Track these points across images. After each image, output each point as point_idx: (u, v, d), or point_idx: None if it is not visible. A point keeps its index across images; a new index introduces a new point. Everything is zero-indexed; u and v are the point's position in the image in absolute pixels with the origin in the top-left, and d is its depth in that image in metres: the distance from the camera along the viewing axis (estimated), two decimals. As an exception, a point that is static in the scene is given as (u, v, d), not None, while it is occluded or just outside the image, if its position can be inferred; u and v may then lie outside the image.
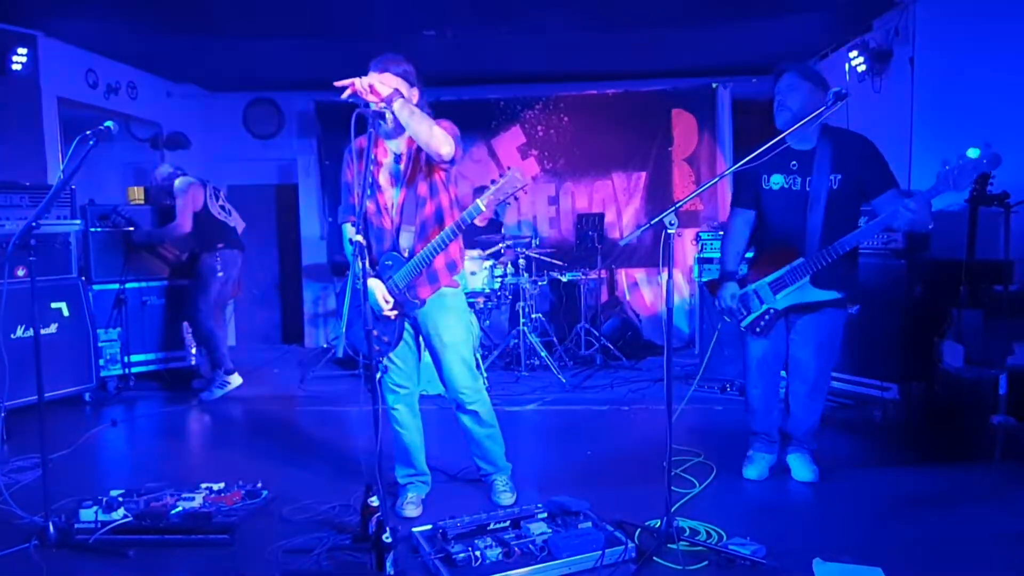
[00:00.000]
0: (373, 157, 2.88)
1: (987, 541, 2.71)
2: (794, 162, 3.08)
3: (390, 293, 2.92)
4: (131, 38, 5.57)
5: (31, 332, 4.39)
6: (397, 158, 2.94)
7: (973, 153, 2.65)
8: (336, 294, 3.22)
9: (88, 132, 2.75)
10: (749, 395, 3.40)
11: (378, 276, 2.94)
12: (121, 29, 5.34)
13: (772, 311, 3.18)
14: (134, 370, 5.38)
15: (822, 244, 3.01)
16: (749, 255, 3.40)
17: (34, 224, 2.69)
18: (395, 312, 2.95)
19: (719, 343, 4.98)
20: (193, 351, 5.65)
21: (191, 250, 5.38)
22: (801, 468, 3.31)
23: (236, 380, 5.27)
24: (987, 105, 4.49)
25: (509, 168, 2.83)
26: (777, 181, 3.13)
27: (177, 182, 5.13)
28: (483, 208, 2.78)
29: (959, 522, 2.87)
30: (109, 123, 2.79)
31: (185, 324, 5.51)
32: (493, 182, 2.83)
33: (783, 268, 3.10)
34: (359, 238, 2.52)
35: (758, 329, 3.22)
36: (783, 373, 3.36)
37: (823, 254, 3.00)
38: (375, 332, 2.70)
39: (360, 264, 2.50)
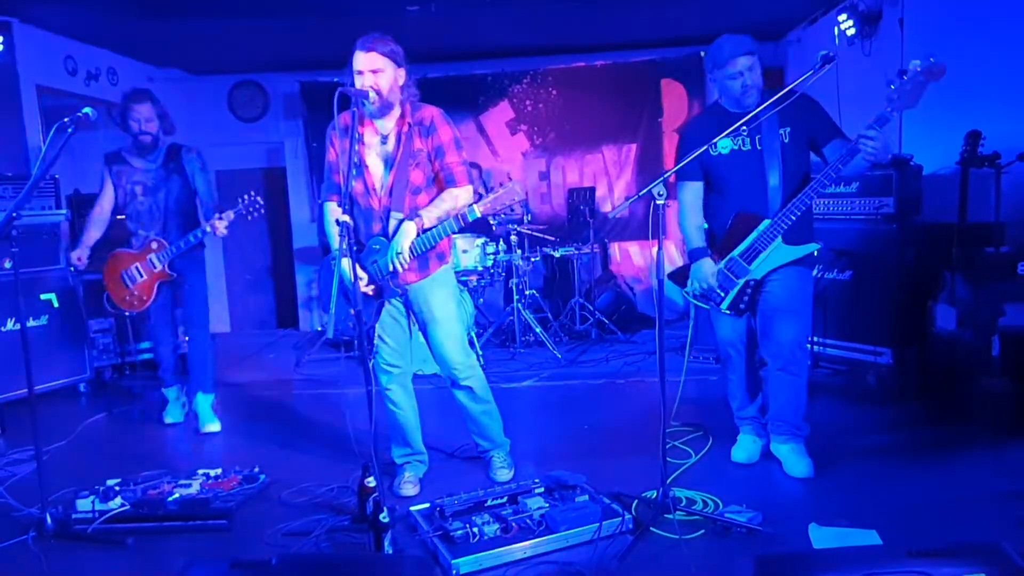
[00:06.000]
0: (359, 136, 2.84)
1: (981, 501, 2.73)
2: (741, 127, 2.85)
3: (373, 278, 2.90)
4: (110, 22, 5.46)
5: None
6: (384, 139, 2.90)
7: (915, 63, 2.58)
8: (317, 275, 3.19)
9: (66, 120, 2.70)
10: (728, 382, 3.29)
11: (363, 258, 2.91)
12: (99, 13, 5.24)
13: (752, 283, 3.01)
14: (128, 359, 5.36)
15: (785, 202, 2.90)
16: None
17: (14, 215, 2.65)
18: (371, 288, 2.93)
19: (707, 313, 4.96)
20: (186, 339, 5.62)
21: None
22: (793, 461, 3.06)
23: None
24: (977, 66, 4.44)
25: (510, 179, 2.80)
26: (726, 145, 2.99)
27: None
28: (478, 214, 2.78)
29: (954, 484, 2.89)
30: (87, 110, 2.74)
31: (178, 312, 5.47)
32: (490, 190, 2.80)
33: (750, 236, 2.96)
34: (346, 217, 2.49)
35: (741, 306, 3.04)
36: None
37: (789, 210, 2.88)
38: (353, 311, 2.68)
39: (342, 243, 2.47)
